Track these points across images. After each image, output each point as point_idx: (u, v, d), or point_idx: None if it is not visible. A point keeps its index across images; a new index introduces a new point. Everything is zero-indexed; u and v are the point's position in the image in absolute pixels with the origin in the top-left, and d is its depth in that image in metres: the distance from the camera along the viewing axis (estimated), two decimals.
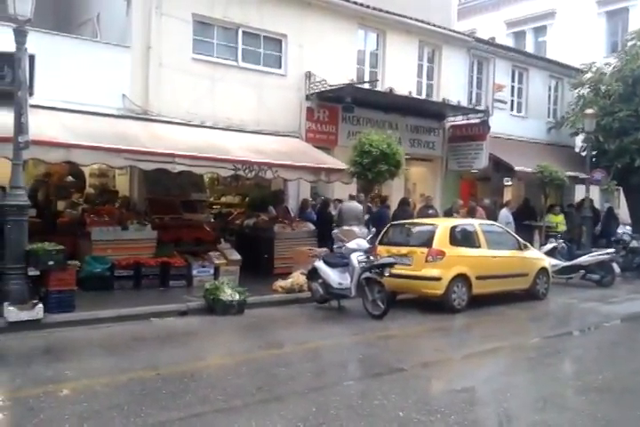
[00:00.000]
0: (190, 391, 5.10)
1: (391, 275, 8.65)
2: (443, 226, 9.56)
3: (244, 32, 12.30)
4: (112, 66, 10.49)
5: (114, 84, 10.49)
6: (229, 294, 8.52)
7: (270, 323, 8.31)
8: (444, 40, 15.83)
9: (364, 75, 14.42)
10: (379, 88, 14.16)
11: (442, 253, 9.08)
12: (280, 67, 12.95)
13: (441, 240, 9.23)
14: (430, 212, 13.29)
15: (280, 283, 9.85)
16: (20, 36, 7.47)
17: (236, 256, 10.73)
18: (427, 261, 9.08)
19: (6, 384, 5.43)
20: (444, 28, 15.76)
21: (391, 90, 13.83)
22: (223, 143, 10.74)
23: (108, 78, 10.39)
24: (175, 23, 11.16)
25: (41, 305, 7.20)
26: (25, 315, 7.04)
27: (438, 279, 8.97)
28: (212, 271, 10.22)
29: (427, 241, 9.31)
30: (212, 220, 12.49)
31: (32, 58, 8.48)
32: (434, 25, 15.33)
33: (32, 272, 7.51)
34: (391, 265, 8.64)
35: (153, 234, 10.24)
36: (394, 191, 14.66)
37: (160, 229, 10.44)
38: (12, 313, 6.98)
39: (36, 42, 8.20)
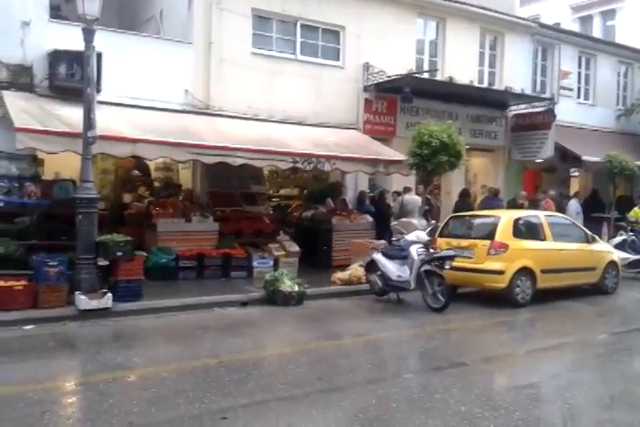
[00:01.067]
0: (252, 379, 5.21)
1: (452, 268, 8.52)
2: (506, 218, 9.31)
3: (302, 25, 12.34)
4: (175, 62, 10.75)
5: (177, 80, 10.74)
6: (289, 285, 8.62)
7: (329, 314, 8.35)
8: (506, 27, 15.36)
9: (423, 64, 14.18)
10: (438, 77, 13.91)
11: (505, 246, 8.85)
12: (338, 59, 12.92)
13: (504, 232, 9.00)
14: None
15: (338, 275, 9.88)
16: (89, 34, 7.75)
17: (295, 248, 10.83)
18: (489, 253, 8.87)
19: (78, 369, 5.71)
20: (507, 15, 15.29)
21: (451, 79, 13.55)
22: (282, 136, 10.84)
23: (171, 74, 10.66)
24: (235, 18, 11.31)
25: (110, 294, 7.50)
26: (95, 303, 7.35)
27: (501, 273, 8.76)
28: (271, 263, 10.35)
29: (489, 233, 9.09)
30: (272, 212, 12.65)
31: (99, 56, 8.77)
32: (496, 11, 14.89)
33: (102, 262, 7.84)
34: (452, 258, 8.50)
35: (215, 226, 10.48)
36: (454, 183, 14.40)
37: (221, 221, 10.69)
38: (83, 301, 7.30)
39: (103, 40, 8.47)
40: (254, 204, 11.92)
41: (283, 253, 10.65)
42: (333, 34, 12.85)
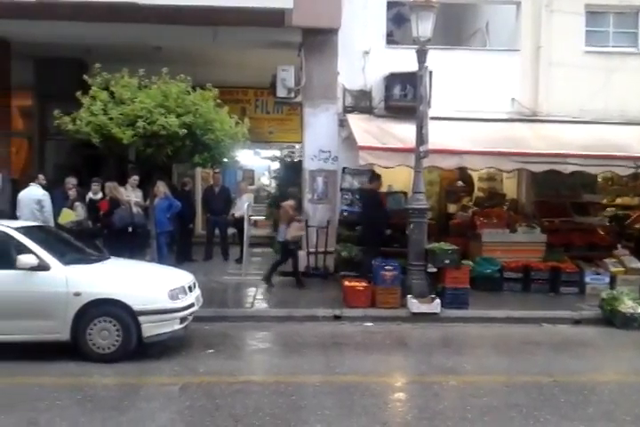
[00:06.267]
0: (591, 404, 4.83)
1: None
2: None
3: None
4: (501, 71, 10.69)
5: (503, 89, 10.66)
6: (630, 306, 7.72)
7: None
8: None
9: None
10: None
11: None
12: None
13: None
14: None
15: None
16: (422, 55, 8.30)
17: (637, 264, 9.61)
18: None
19: (412, 368, 6.07)
20: None
21: None
22: (620, 139, 9.78)
23: (497, 84, 10.63)
24: (566, 18, 10.68)
25: (438, 300, 7.83)
26: (425, 308, 7.76)
27: None
28: (607, 280, 9.39)
29: None
30: (607, 223, 11.49)
31: (430, 74, 9.27)
32: None
33: (430, 269, 8.26)
34: None
35: (542, 237, 10.03)
36: None
37: (549, 232, 10.16)
38: (415, 305, 7.78)
39: (432, 58, 8.86)
40: (586, 214, 11.02)
41: (621, 269, 9.56)
42: None
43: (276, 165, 14.93)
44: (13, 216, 8.97)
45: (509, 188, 12.06)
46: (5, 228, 6.12)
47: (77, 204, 9.20)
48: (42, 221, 8.61)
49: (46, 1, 8.67)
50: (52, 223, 8.87)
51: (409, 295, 7.95)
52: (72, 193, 9.46)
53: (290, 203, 9.66)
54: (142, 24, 9.73)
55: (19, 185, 10.13)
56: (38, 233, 6.57)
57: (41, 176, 9.62)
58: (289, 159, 13.23)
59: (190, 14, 9.29)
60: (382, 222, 9.29)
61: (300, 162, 11.13)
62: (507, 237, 10.05)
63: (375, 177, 9.57)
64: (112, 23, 9.65)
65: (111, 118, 7.09)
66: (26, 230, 6.27)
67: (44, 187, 9.36)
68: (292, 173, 11.71)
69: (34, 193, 9.12)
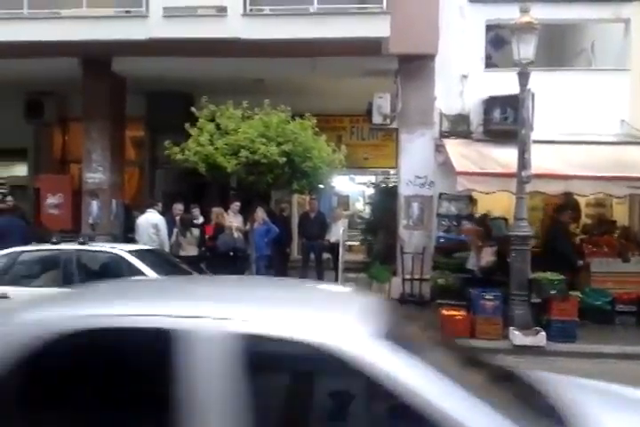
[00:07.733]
0: None
1: None
2: None
3: None
4: (608, 92, 10.17)
5: (610, 111, 10.13)
6: None
7: None
8: None
9: None
10: None
11: None
12: None
13: None
14: None
15: None
16: (524, 78, 8.09)
17: None
18: None
19: None
20: None
21: None
22: None
23: (603, 105, 10.12)
24: None
25: (543, 333, 7.44)
26: (529, 340, 7.40)
27: None
28: None
29: None
30: None
31: (532, 96, 9.00)
32: None
33: (534, 300, 7.88)
34: None
35: None
36: None
37: None
38: (517, 337, 7.43)
39: (533, 80, 8.62)
40: None
41: None
42: None
43: (370, 191, 14.97)
44: (126, 240, 9.55)
45: (620, 214, 11.33)
46: (120, 251, 6.55)
47: (175, 230, 9.63)
48: (158, 244, 9.11)
49: (156, 39, 9.31)
50: (167, 247, 9.34)
51: (511, 327, 7.61)
52: (177, 219, 9.97)
53: (476, 228, 9.54)
54: (244, 58, 10.22)
55: (130, 211, 10.79)
56: (149, 256, 6.95)
57: (159, 203, 10.25)
58: (384, 185, 13.23)
59: (290, 47, 9.64)
60: (569, 255, 9.08)
61: (395, 187, 11.09)
62: (618, 266, 9.43)
63: (564, 208, 9.08)
64: (217, 57, 10.22)
65: (217, 148, 7.45)
66: (138, 253, 6.65)
67: (159, 213, 9.93)
68: (386, 198, 11.68)
69: (151, 218, 9.66)
